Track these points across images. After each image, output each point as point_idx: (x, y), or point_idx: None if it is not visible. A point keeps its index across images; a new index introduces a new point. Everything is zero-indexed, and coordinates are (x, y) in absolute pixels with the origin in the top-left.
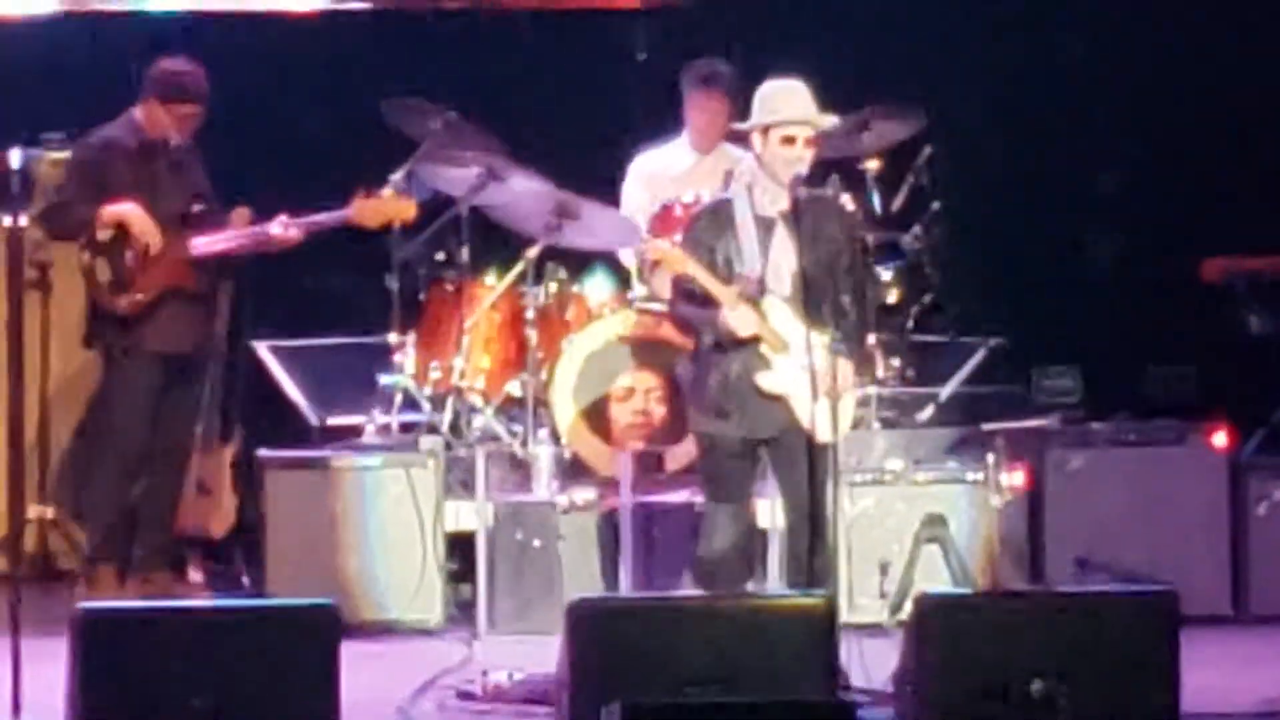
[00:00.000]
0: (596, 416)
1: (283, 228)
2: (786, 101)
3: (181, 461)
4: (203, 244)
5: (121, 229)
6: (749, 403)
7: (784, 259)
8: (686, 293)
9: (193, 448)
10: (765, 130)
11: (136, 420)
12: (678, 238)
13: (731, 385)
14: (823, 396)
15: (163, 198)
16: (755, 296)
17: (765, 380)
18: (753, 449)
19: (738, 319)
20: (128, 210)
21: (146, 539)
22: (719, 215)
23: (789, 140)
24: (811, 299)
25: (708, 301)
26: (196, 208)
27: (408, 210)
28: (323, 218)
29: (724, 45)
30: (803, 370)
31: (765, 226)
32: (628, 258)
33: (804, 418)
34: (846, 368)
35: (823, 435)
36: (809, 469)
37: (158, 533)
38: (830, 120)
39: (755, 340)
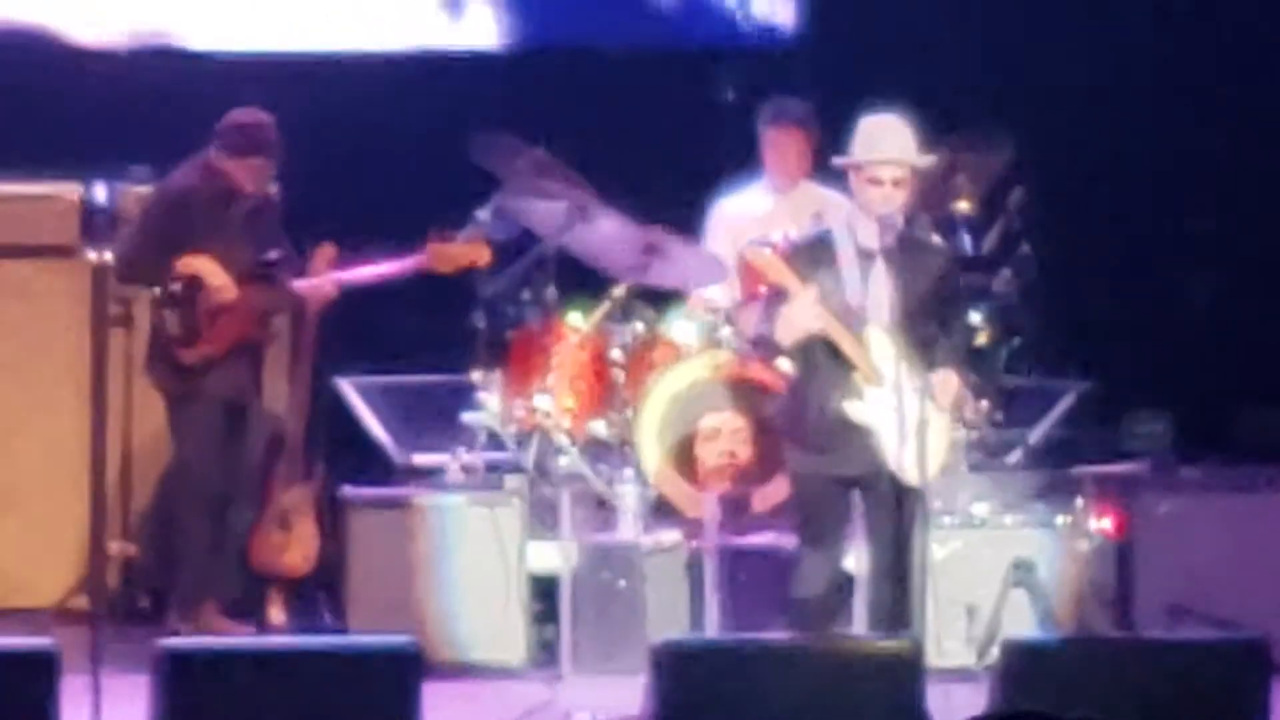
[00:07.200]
0: (682, 457)
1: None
2: (876, 140)
3: (247, 505)
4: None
5: (195, 281)
6: (839, 438)
7: (883, 294)
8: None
9: (253, 490)
10: (857, 168)
11: (207, 460)
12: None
13: (825, 419)
14: (911, 439)
15: (235, 247)
16: (856, 323)
17: (852, 409)
18: (845, 489)
19: (800, 308)
20: (202, 265)
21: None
22: (818, 248)
23: (875, 181)
24: (909, 338)
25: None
26: (274, 254)
27: (483, 254)
28: (394, 265)
29: (812, 85)
30: (893, 410)
31: (866, 258)
32: (714, 296)
33: (890, 457)
34: (950, 378)
35: (910, 478)
36: (897, 512)
37: (230, 574)
38: (926, 159)
39: (851, 367)
